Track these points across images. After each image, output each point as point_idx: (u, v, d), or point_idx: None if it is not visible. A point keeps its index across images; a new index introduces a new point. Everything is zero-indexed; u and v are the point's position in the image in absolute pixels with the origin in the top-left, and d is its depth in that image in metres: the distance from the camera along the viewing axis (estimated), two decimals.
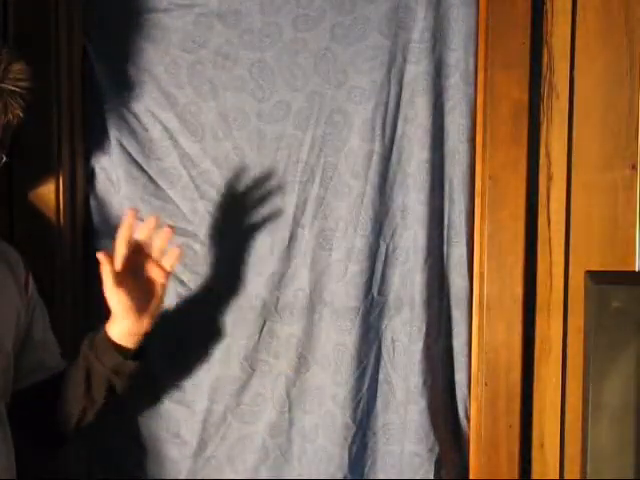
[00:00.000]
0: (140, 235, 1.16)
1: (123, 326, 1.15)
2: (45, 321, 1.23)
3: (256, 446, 1.41)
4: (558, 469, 1.32)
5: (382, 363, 1.40)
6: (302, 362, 1.40)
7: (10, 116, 1.03)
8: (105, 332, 1.16)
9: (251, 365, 1.40)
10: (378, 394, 1.40)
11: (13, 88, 1.02)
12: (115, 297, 1.13)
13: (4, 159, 1.05)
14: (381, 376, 1.40)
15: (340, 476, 1.38)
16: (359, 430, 1.39)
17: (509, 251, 1.29)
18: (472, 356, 1.35)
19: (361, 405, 1.39)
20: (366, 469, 1.41)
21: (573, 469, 1.30)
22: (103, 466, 1.44)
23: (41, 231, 1.32)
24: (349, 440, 1.38)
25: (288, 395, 1.40)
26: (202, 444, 1.42)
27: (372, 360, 1.39)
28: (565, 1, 1.27)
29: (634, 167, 1.27)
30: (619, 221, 1.28)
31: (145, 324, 1.17)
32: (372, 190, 1.35)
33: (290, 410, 1.41)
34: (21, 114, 1.04)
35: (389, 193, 1.37)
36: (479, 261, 1.33)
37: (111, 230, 1.41)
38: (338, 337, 1.38)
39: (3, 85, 1.01)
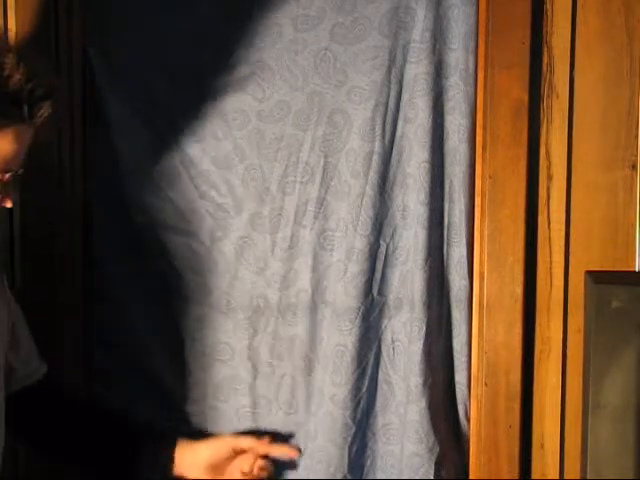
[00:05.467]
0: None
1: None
2: (25, 324, 1.23)
3: None
4: (558, 469, 1.32)
5: (382, 363, 1.40)
6: (306, 363, 1.40)
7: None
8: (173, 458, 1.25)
9: (254, 366, 1.40)
10: (378, 394, 1.40)
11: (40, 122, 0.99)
12: (215, 454, 1.28)
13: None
14: (381, 376, 1.40)
15: (340, 476, 1.38)
16: (359, 430, 1.39)
17: (509, 251, 1.29)
18: (472, 356, 1.35)
19: (361, 405, 1.38)
20: (366, 469, 1.41)
21: (573, 469, 1.30)
22: None
23: (41, 232, 1.32)
24: (349, 440, 1.38)
25: (293, 397, 1.40)
26: None
27: (372, 360, 1.38)
28: (565, 1, 1.27)
29: (634, 167, 1.27)
30: (619, 221, 1.28)
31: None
32: (372, 190, 1.35)
33: (296, 412, 1.40)
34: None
35: (389, 193, 1.37)
36: (479, 261, 1.33)
37: (111, 230, 1.42)
38: (338, 337, 1.37)
39: (36, 122, 0.97)
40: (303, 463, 1.41)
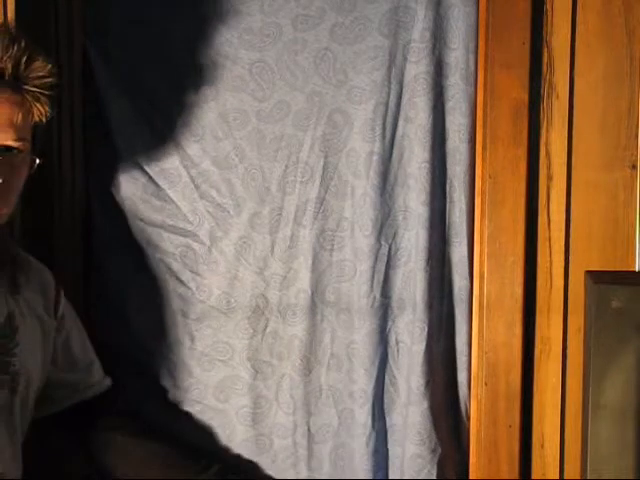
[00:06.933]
0: None
1: None
2: (83, 339, 1.23)
3: (261, 448, 1.41)
4: (558, 469, 1.31)
5: (387, 364, 1.39)
6: (305, 363, 1.39)
7: (37, 117, 1.00)
8: None
9: (254, 366, 1.40)
10: (384, 396, 1.39)
11: (35, 89, 0.98)
12: None
13: (37, 161, 1.02)
14: (387, 378, 1.39)
15: (345, 477, 1.38)
16: (364, 432, 1.37)
17: (509, 251, 1.29)
18: (472, 356, 1.35)
19: (367, 407, 1.38)
20: (372, 470, 1.40)
21: (573, 469, 1.30)
22: None
23: (40, 233, 1.32)
24: (353, 441, 1.37)
25: (292, 397, 1.40)
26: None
27: (377, 362, 1.38)
28: (565, 1, 1.27)
29: (634, 167, 1.27)
30: (619, 221, 1.28)
31: None
32: (373, 191, 1.35)
33: (294, 412, 1.40)
34: (49, 111, 1.00)
35: (390, 193, 1.37)
36: (479, 261, 1.33)
37: (111, 230, 1.42)
38: (342, 338, 1.37)
39: (27, 87, 0.97)
40: (308, 464, 1.41)
